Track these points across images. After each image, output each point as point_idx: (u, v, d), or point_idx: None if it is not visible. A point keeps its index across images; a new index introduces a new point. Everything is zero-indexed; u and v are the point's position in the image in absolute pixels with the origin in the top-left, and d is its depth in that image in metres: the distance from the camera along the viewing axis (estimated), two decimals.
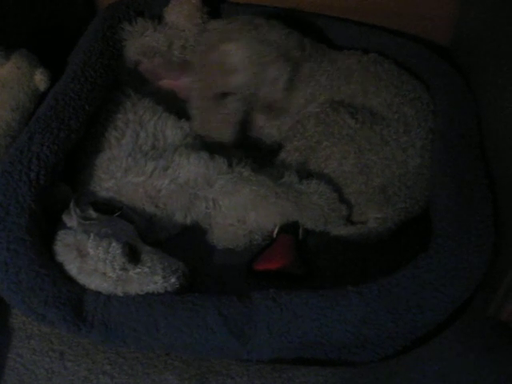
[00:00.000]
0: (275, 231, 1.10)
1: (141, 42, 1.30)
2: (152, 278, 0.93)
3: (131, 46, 1.30)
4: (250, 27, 1.18)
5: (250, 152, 1.25)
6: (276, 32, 1.20)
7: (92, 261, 0.92)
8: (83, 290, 0.92)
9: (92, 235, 0.93)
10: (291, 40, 1.21)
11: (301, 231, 1.10)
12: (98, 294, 0.92)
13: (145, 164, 1.08)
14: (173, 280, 0.93)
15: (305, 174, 1.16)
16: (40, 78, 1.16)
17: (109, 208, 1.04)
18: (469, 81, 1.25)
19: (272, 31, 1.20)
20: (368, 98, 1.20)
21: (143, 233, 1.04)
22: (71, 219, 0.98)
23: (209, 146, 1.18)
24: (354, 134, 1.14)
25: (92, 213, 1.00)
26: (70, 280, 0.93)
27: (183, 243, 1.13)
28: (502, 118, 1.09)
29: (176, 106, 1.27)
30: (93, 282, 0.92)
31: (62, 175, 1.07)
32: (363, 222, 1.13)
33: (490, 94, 1.16)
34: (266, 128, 1.26)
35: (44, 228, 0.98)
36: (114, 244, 0.92)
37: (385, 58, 1.26)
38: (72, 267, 0.93)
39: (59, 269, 0.93)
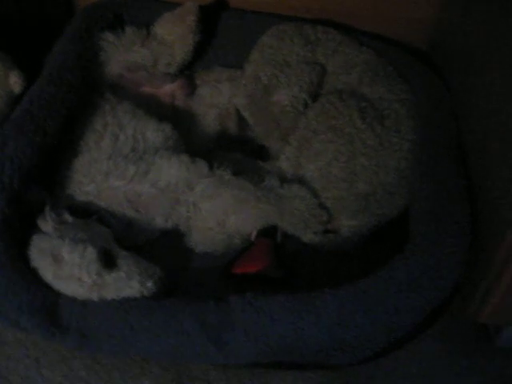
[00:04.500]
0: (253, 235, 1.09)
1: (126, 58, 1.28)
2: (128, 282, 0.92)
3: (115, 61, 1.28)
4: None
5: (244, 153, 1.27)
6: (295, 49, 1.25)
7: (67, 266, 0.91)
8: (58, 295, 0.91)
9: (67, 240, 0.92)
10: (308, 43, 1.26)
11: (279, 235, 1.09)
12: (73, 299, 0.91)
13: (125, 167, 1.07)
14: (149, 284, 0.92)
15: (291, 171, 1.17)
16: (15, 81, 1.15)
17: (85, 212, 1.03)
18: (446, 83, 1.26)
19: (290, 50, 1.25)
20: (360, 88, 1.20)
21: (121, 237, 1.03)
22: (46, 223, 0.96)
23: (191, 150, 1.17)
24: (356, 134, 1.12)
25: (68, 217, 0.99)
26: (45, 286, 0.92)
27: (161, 247, 1.12)
28: (479, 119, 1.10)
29: (157, 111, 1.26)
30: (68, 288, 0.91)
31: (38, 179, 1.05)
32: (335, 230, 1.12)
33: (468, 96, 1.17)
34: None
35: (18, 233, 0.96)
36: (89, 249, 0.91)
37: (388, 62, 1.26)
38: (47, 272, 0.92)
39: (33, 274, 0.92)
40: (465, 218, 1.00)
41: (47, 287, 0.92)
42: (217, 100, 1.33)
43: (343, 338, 0.88)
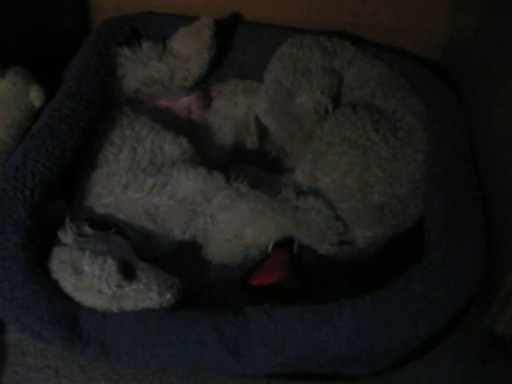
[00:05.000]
0: (270, 246, 1.10)
1: (143, 73, 1.30)
2: (147, 294, 0.93)
3: (132, 76, 1.30)
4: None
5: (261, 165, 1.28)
6: (314, 57, 1.26)
7: (87, 278, 0.92)
8: (78, 306, 0.92)
9: (87, 252, 0.93)
10: (326, 53, 1.27)
11: (295, 246, 1.10)
12: (93, 310, 0.92)
13: (144, 180, 1.08)
14: (168, 296, 0.93)
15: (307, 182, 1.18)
16: (35, 95, 1.17)
17: (105, 224, 1.05)
18: (460, 95, 1.26)
19: (310, 58, 1.26)
20: (373, 101, 1.22)
21: (140, 249, 1.04)
22: (67, 236, 0.98)
23: (207, 162, 1.18)
24: (369, 146, 1.13)
25: (88, 229, 1.00)
26: (66, 297, 0.93)
27: (179, 258, 1.13)
28: (493, 131, 1.10)
29: (173, 124, 1.27)
30: (88, 299, 0.92)
31: (58, 191, 1.07)
32: (350, 242, 1.13)
33: (482, 108, 1.17)
34: None
35: (39, 245, 0.98)
36: (109, 261, 0.93)
37: (401, 75, 1.28)
38: (67, 284, 0.93)
39: (54, 286, 0.93)
40: (480, 229, 1.01)
41: (68, 298, 0.93)
42: (232, 112, 1.34)
43: (360, 348, 0.89)
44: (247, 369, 0.90)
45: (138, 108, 1.27)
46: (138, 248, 1.02)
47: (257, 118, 1.30)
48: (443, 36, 1.41)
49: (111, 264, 0.92)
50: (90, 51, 1.27)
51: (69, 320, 0.90)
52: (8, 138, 1.12)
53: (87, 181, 1.11)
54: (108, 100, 1.25)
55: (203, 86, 1.37)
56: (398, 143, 1.14)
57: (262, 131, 1.30)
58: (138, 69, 1.30)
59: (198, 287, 1.07)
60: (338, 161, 1.14)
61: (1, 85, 1.16)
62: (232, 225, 1.10)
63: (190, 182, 1.09)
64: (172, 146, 1.16)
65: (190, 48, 1.30)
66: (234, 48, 1.39)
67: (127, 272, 0.94)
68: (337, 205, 1.13)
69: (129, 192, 1.08)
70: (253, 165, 1.26)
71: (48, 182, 1.03)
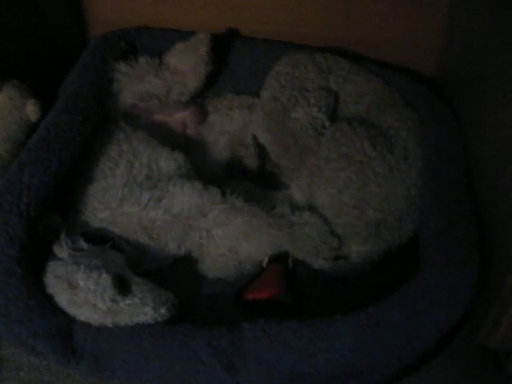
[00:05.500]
0: (265, 261, 1.10)
1: (139, 88, 1.30)
2: (142, 309, 0.93)
3: (129, 91, 1.30)
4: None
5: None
6: (310, 76, 1.27)
7: (82, 292, 0.92)
8: (73, 321, 0.92)
9: (82, 267, 0.93)
10: (322, 71, 1.28)
11: (290, 261, 1.10)
12: (87, 325, 0.92)
13: (140, 194, 1.09)
14: (163, 311, 0.94)
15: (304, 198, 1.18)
16: (31, 109, 1.17)
17: (100, 238, 1.05)
18: (455, 110, 1.27)
19: (306, 76, 1.27)
20: (369, 116, 1.22)
21: (135, 263, 1.04)
22: (62, 250, 0.98)
23: (203, 177, 1.18)
24: (366, 162, 1.13)
25: (83, 244, 1.00)
26: (60, 311, 0.93)
27: (174, 273, 1.13)
28: (488, 145, 1.11)
29: (169, 139, 1.28)
30: (83, 314, 0.92)
31: (53, 205, 1.07)
32: (345, 256, 1.14)
33: (476, 123, 1.18)
34: None
35: (34, 259, 0.98)
36: (104, 276, 0.93)
37: (395, 90, 1.28)
38: (62, 299, 0.93)
39: (49, 300, 0.93)
40: (474, 245, 1.01)
41: (62, 313, 0.93)
42: (228, 127, 1.35)
43: (355, 364, 0.89)
44: None
45: (134, 122, 1.27)
46: (133, 262, 1.03)
47: (255, 138, 1.30)
48: (438, 51, 1.41)
49: (106, 279, 0.92)
50: (87, 65, 1.28)
51: (63, 335, 0.90)
52: (4, 151, 1.13)
53: (83, 195, 1.11)
54: (104, 114, 1.25)
55: (199, 101, 1.37)
56: (393, 159, 1.14)
57: (261, 150, 1.30)
58: (134, 84, 1.30)
59: (193, 302, 1.07)
60: (335, 177, 1.14)
61: None
62: (227, 239, 1.10)
63: (185, 197, 1.09)
64: (168, 162, 1.16)
65: (187, 63, 1.30)
66: (230, 63, 1.39)
67: (122, 287, 0.94)
68: (332, 220, 1.13)
69: (125, 206, 1.08)
70: (248, 181, 1.27)
71: (44, 197, 1.03)
